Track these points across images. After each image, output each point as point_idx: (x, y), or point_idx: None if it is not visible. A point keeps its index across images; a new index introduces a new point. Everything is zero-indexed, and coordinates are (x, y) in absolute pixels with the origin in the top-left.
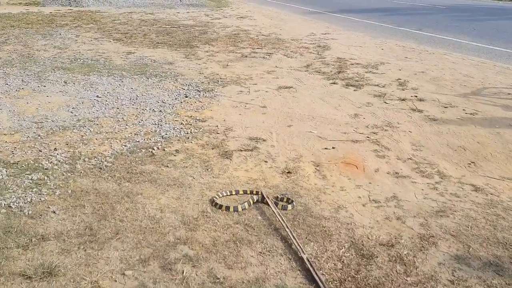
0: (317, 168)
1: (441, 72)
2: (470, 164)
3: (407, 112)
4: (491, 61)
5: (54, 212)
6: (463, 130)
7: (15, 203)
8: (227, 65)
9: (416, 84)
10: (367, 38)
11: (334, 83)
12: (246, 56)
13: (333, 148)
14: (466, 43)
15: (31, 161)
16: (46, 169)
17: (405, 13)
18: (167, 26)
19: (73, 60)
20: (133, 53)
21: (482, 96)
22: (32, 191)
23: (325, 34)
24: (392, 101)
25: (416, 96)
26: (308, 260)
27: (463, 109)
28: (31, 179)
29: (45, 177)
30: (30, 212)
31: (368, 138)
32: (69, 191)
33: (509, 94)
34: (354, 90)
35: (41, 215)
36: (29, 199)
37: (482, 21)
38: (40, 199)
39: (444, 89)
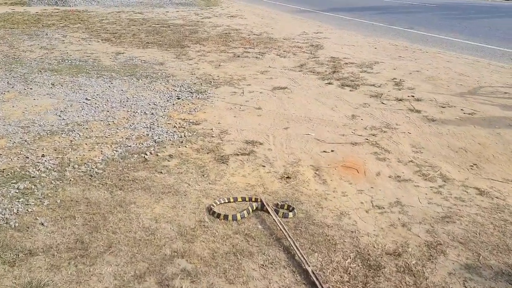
0: (317, 172)
1: (436, 71)
2: (472, 166)
3: (405, 113)
4: (485, 59)
5: (43, 224)
6: (462, 131)
7: (0, 215)
8: (220, 65)
9: (412, 83)
10: (359, 37)
11: (329, 83)
12: (238, 56)
13: (332, 151)
14: (459, 41)
15: (17, 169)
16: (33, 177)
17: (396, 11)
18: (156, 25)
19: (60, 61)
20: (123, 53)
21: (479, 95)
22: (18, 201)
23: (317, 33)
24: (389, 101)
25: (413, 96)
26: (313, 273)
27: (461, 109)
28: (18, 188)
29: (33, 186)
30: (16, 224)
31: (367, 140)
32: (58, 201)
33: (505, 93)
34: (350, 91)
35: (28, 228)
36: (15, 210)
37: (474, 19)
38: (27, 210)
39: (440, 89)
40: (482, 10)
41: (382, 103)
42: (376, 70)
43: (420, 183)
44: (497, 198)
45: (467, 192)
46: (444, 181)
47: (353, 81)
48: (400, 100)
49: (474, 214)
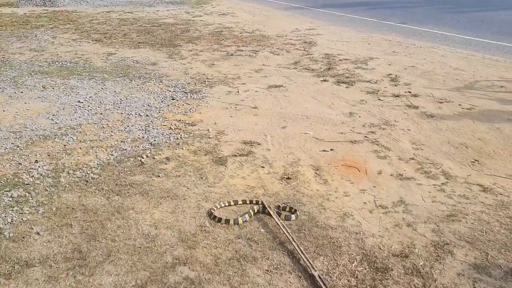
0: (317, 172)
1: (431, 66)
2: (474, 162)
3: (403, 109)
4: (480, 53)
5: (38, 233)
6: (462, 126)
7: None
8: (213, 64)
9: (408, 79)
10: (352, 32)
11: (324, 81)
12: (231, 55)
13: (331, 150)
14: (453, 35)
15: (10, 176)
16: (27, 184)
17: (387, 6)
18: (147, 25)
19: (51, 63)
20: (114, 54)
21: (475, 89)
22: (12, 210)
23: (310, 29)
24: (386, 97)
25: (409, 92)
26: (320, 278)
27: (459, 104)
28: (11, 197)
29: (27, 193)
30: (11, 234)
31: (366, 138)
32: (54, 209)
33: (502, 87)
34: (346, 87)
35: (23, 238)
36: (9, 220)
37: (466, 13)
38: (22, 219)
39: (436, 84)
40: (474, 4)
41: (379, 99)
42: (371, 66)
43: (423, 181)
44: (501, 194)
45: (470, 189)
46: (447, 178)
47: (348, 77)
48: (397, 96)
49: (479, 212)
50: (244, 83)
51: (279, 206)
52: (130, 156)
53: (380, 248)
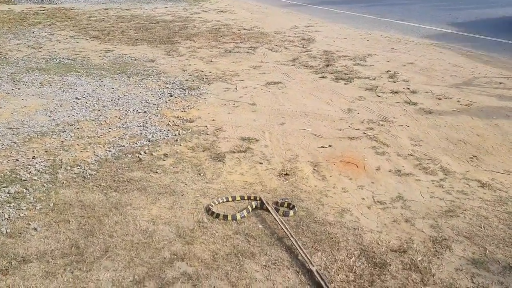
0: (315, 168)
1: (430, 62)
2: (472, 158)
3: (402, 105)
4: (478, 50)
5: (36, 229)
6: (460, 123)
7: None
8: (211, 61)
9: (406, 75)
10: (351, 29)
11: (323, 77)
12: (229, 51)
13: (329, 146)
14: (451, 32)
15: (8, 172)
16: (24, 180)
17: (385, 3)
18: (145, 22)
19: (48, 60)
20: (112, 51)
21: (474, 86)
22: (9, 206)
23: (308, 26)
24: (385, 94)
25: (408, 88)
26: (318, 273)
27: (458, 100)
28: (8, 193)
29: (24, 189)
30: (8, 230)
31: (365, 134)
32: (51, 205)
33: (501, 83)
34: (345, 84)
35: (21, 234)
36: (6, 216)
37: (464, 10)
38: (19, 214)
39: (435, 80)
40: (472, 1)
41: (377, 96)
42: (369, 63)
43: (421, 177)
44: (499, 190)
45: (468, 185)
46: (445, 174)
47: (347, 74)
48: (395, 92)
49: (478, 207)
50: (242, 80)
51: (277, 202)
52: (128, 153)
53: (378, 244)
